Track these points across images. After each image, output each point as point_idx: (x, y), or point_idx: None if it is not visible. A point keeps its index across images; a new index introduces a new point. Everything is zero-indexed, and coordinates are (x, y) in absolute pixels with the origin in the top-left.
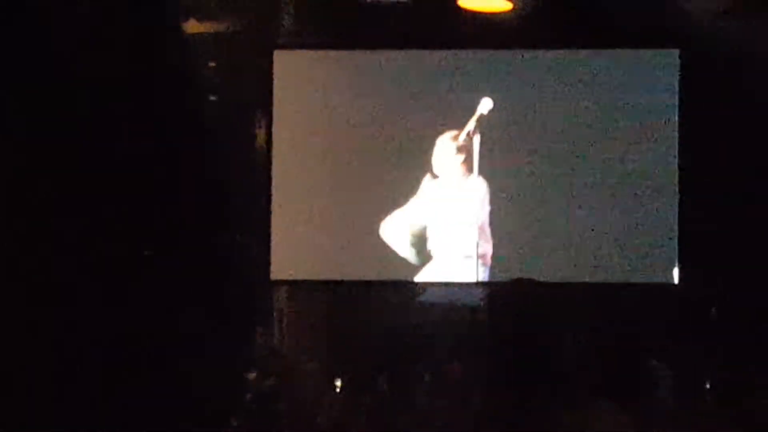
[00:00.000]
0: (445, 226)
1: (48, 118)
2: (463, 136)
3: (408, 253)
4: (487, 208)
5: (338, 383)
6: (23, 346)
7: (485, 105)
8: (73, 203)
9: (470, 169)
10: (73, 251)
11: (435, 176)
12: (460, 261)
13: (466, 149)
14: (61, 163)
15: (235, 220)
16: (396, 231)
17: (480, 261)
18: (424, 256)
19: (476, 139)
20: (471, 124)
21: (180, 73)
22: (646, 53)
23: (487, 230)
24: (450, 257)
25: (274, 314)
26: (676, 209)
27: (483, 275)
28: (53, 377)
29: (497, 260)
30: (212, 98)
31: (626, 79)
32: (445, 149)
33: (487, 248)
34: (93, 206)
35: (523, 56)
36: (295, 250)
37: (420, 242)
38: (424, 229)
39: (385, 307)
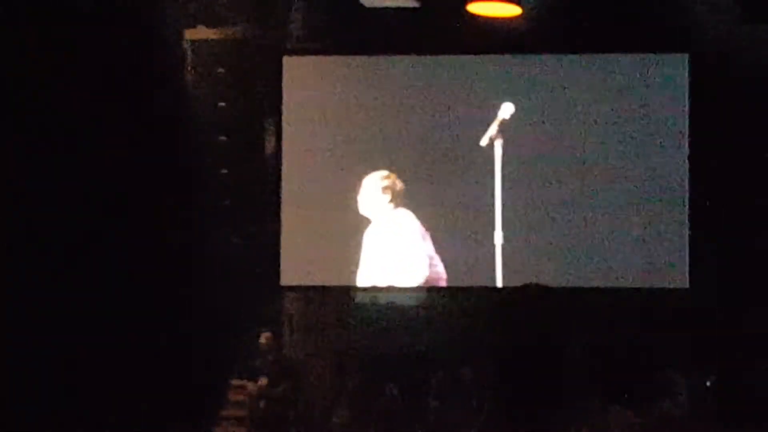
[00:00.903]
0: (392, 262)
1: (48, 123)
2: (485, 140)
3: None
4: (426, 235)
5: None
6: (23, 348)
7: (506, 110)
8: (78, 208)
9: (398, 204)
10: (77, 253)
11: (365, 218)
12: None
13: (390, 188)
14: (63, 169)
15: (245, 226)
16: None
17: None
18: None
19: (498, 143)
20: (493, 129)
21: (188, 80)
22: (656, 57)
23: (436, 257)
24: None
25: (284, 319)
26: (687, 214)
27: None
28: (52, 382)
29: (511, 263)
30: (221, 104)
31: (636, 83)
32: (372, 189)
33: (440, 272)
34: (98, 212)
35: (532, 61)
36: (305, 256)
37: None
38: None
39: (394, 313)
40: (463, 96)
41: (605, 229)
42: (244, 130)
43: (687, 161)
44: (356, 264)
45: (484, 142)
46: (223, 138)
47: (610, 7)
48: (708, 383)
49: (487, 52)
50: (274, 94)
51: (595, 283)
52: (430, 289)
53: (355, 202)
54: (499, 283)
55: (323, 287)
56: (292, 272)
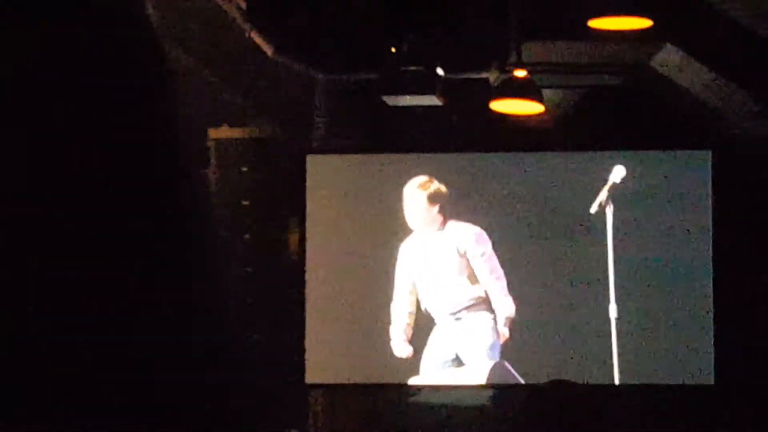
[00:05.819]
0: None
1: (87, 208)
2: (594, 207)
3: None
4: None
5: None
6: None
7: (618, 173)
8: (106, 296)
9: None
10: (98, 338)
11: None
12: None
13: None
14: (97, 253)
15: (270, 324)
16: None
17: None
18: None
19: (609, 210)
20: (603, 194)
21: (212, 178)
22: (679, 154)
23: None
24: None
25: (310, 417)
26: (712, 311)
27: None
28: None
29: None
30: (245, 203)
31: (660, 180)
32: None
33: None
34: (126, 309)
35: (550, 158)
36: (330, 354)
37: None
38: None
39: (420, 411)
40: (480, 194)
41: (626, 327)
42: (268, 228)
43: (711, 257)
44: (379, 361)
45: (594, 208)
46: (246, 236)
47: (632, 104)
48: None
49: (512, 150)
50: (298, 192)
51: (617, 381)
52: (455, 387)
53: (380, 297)
54: (615, 361)
55: (349, 385)
56: (318, 370)
